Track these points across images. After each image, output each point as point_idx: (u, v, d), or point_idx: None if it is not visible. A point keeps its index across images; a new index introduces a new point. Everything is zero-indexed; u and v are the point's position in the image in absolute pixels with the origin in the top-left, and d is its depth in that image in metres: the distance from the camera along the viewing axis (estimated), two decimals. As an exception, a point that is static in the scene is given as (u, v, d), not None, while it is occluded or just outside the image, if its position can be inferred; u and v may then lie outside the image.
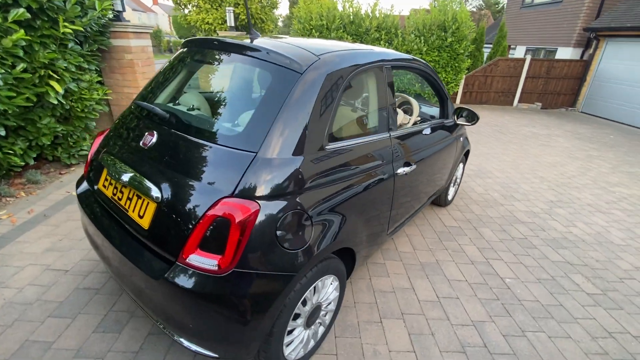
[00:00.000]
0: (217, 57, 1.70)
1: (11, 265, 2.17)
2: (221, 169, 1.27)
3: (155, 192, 1.31)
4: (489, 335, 1.95)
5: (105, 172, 1.61)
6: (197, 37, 1.83)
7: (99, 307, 1.91)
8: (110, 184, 1.55)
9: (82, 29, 3.10)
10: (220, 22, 8.38)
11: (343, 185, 1.56)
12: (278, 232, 1.25)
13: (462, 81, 9.72)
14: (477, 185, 4.21)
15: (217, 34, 8.76)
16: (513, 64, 9.82)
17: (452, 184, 3.36)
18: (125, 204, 1.45)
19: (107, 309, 1.90)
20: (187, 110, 1.68)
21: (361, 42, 8.92)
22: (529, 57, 9.70)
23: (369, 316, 2.02)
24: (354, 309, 2.06)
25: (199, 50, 1.79)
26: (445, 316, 2.07)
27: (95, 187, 1.65)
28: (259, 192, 1.23)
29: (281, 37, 1.84)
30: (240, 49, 1.58)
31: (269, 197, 1.24)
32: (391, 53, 2.03)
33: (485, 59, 11.40)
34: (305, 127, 1.36)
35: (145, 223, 1.34)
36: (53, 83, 2.96)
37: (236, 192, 1.21)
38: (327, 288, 1.63)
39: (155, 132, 1.47)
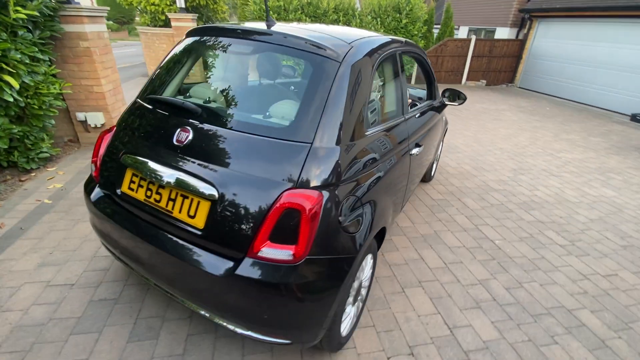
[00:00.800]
0: (238, 46, 1.64)
1: (4, 287, 1.93)
2: (279, 161, 1.27)
3: (208, 189, 1.27)
4: (495, 290, 2.22)
5: (130, 174, 1.50)
6: (214, 25, 1.72)
7: (124, 316, 1.81)
8: (140, 186, 1.46)
9: (36, 13, 2.70)
10: (168, 3, 7.70)
11: (380, 168, 1.64)
12: (340, 218, 1.30)
13: (417, 62, 10.18)
14: (450, 160, 4.56)
15: (166, 16, 8.06)
16: (461, 44, 10.48)
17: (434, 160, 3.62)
18: (167, 206, 1.38)
19: (134, 318, 1.81)
20: (204, 102, 1.62)
21: (320, 23, 8.83)
22: (474, 38, 10.41)
23: (392, 288, 2.17)
24: (377, 283, 2.20)
25: (215, 40, 1.69)
26: (455, 279, 2.30)
27: (118, 190, 1.53)
28: (319, 181, 1.26)
29: (295, 24, 1.81)
30: (269, 38, 1.54)
31: (327, 185, 1.28)
32: (400, 39, 2.11)
33: (435, 39, 11.97)
34: (349, 114, 1.40)
35: (199, 223, 1.30)
36: (7, 77, 2.57)
37: (299, 182, 1.23)
38: (367, 266, 1.73)
39: (190, 128, 1.40)
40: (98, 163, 1.65)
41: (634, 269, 2.53)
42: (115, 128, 1.70)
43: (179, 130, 1.42)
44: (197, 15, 7.85)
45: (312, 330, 1.32)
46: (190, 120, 1.43)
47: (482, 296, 2.16)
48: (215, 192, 1.27)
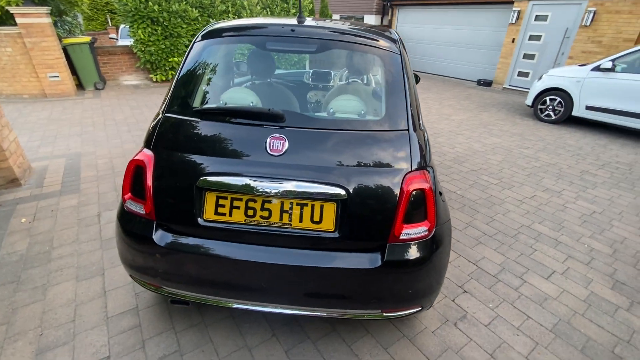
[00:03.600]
0: (297, 45, 1.58)
1: (10, 396, 1.40)
2: (389, 150, 1.36)
3: (333, 190, 1.28)
4: (480, 227, 2.82)
5: (213, 198, 1.32)
6: (252, 23, 1.58)
7: (204, 362, 1.59)
8: (236, 207, 1.32)
9: None
10: (6, -6, 5.81)
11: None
12: (440, 190, 1.50)
13: (308, 50, 10.64)
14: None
15: (7, 11, 6.10)
16: (342, 31, 11.42)
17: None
18: (281, 220, 1.30)
19: None
20: (250, 104, 1.55)
21: (208, 15, 8.24)
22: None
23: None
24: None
25: (261, 39, 1.58)
26: (453, 228, 2.79)
27: (200, 220, 1.33)
28: (422, 161, 1.41)
29: (329, 20, 1.83)
30: (334, 35, 1.55)
31: (426, 164, 1.45)
32: None
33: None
34: (413, 101, 1.58)
35: (328, 226, 1.30)
36: None
37: (412, 165, 1.36)
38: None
39: (283, 135, 1.33)
40: (149, 197, 1.36)
41: (542, 189, 3.55)
42: (153, 153, 1.40)
43: (269, 139, 1.33)
44: (50, 8, 6.23)
45: (438, 290, 1.51)
46: (279, 127, 1.35)
47: (476, 234, 2.72)
48: (341, 191, 1.28)
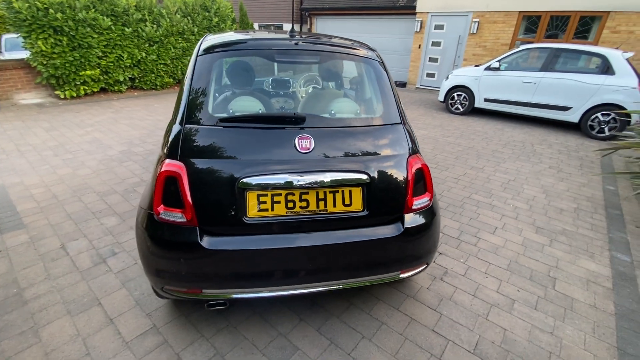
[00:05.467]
0: (302, 57, 1.77)
1: None
2: (390, 140, 1.67)
3: (360, 176, 1.53)
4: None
5: (254, 196, 1.45)
6: (256, 38, 1.71)
7: (247, 357, 1.67)
8: (276, 202, 1.47)
9: None
10: None
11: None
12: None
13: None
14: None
15: None
16: (266, 40, 11.61)
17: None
18: (318, 207, 1.50)
19: (257, 354, 1.70)
20: (258, 111, 1.74)
21: (123, 24, 7.58)
22: (274, 33, 11.76)
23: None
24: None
25: (269, 53, 1.74)
26: (415, 206, 3.27)
27: (245, 218, 1.44)
28: (414, 147, 1.76)
29: (321, 34, 2.05)
30: (334, 48, 1.79)
31: (417, 149, 1.80)
32: None
33: (237, 36, 12.58)
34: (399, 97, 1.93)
35: (357, 206, 1.54)
36: None
37: (410, 150, 1.70)
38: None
39: (309, 135, 1.53)
40: (188, 205, 1.41)
41: (469, 167, 4.34)
42: (183, 162, 1.45)
43: (297, 138, 1.51)
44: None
45: (436, 249, 1.86)
46: (300, 128, 1.55)
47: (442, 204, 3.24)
48: (364, 176, 1.54)
